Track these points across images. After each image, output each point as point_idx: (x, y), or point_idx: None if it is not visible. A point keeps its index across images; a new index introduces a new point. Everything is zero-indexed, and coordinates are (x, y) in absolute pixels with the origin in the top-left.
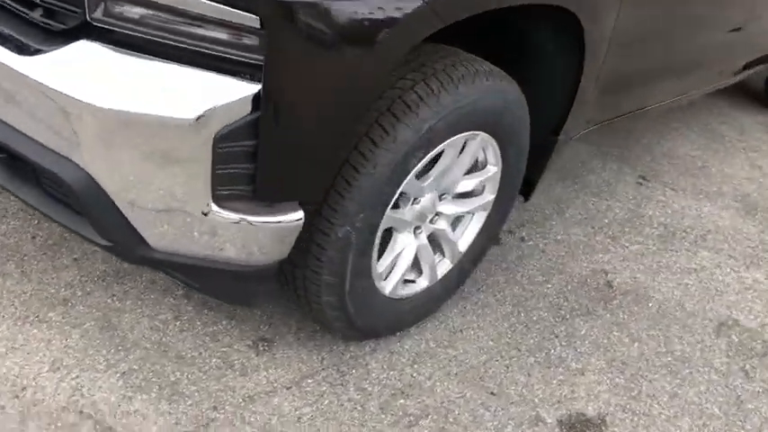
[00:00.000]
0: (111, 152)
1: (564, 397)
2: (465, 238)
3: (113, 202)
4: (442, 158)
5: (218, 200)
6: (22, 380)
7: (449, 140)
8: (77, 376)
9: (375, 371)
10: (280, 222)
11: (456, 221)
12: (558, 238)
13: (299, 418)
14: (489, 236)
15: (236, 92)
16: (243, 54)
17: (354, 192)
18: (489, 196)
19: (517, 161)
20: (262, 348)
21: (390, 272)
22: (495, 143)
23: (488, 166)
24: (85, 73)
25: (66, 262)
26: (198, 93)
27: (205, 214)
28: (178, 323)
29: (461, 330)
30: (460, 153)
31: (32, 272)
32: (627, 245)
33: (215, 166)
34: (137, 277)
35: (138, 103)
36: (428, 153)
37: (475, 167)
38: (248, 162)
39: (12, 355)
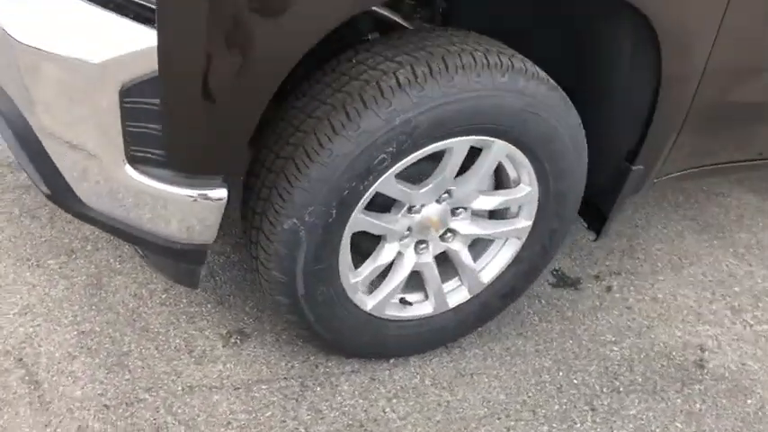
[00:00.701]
0: (32, 89)
1: None
2: (491, 267)
3: (41, 145)
4: (441, 164)
5: (133, 161)
6: None
7: (444, 142)
8: (38, 325)
9: (343, 394)
10: (194, 198)
11: (481, 246)
12: (659, 296)
13: (229, 423)
14: (527, 272)
15: (143, 41)
16: None
17: (303, 181)
18: (524, 222)
19: (560, 184)
20: (233, 341)
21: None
22: (524, 158)
23: (521, 185)
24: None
25: None
26: (107, 37)
27: (120, 174)
28: (164, 296)
29: (473, 375)
30: (475, 162)
31: (59, 220)
32: (751, 323)
33: (124, 122)
34: None
35: (50, 41)
36: (409, 152)
37: (504, 184)
38: (157, 123)
39: None
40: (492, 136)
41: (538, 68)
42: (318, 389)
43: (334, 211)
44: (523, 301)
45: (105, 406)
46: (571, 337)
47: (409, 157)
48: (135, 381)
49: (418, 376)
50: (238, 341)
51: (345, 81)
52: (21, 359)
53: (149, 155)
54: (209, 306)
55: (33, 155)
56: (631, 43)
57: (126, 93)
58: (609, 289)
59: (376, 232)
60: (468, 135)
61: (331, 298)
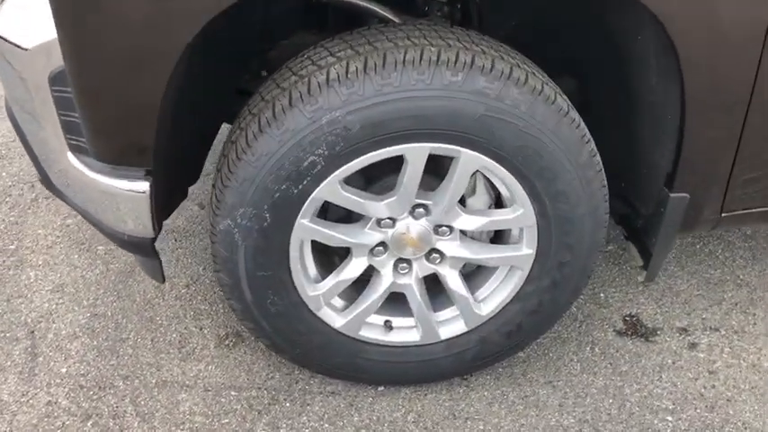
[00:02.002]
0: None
1: None
2: (491, 300)
3: (16, 119)
4: (401, 174)
5: (73, 149)
6: (23, 289)
7: (392, 148)
8: (62, 303)
9: (310, 415)
10: (119, 189)
11: (482, 275)
12: (764, 364)
13: (183, 423)
14: (537, 310)
15: None
16: None
17: (233, 180)
18: (525, 250)
19: (560, 208)
20: (227, 343)
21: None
22: (506, 173)
23: (514, 205)
24: None
25: None
26: (40, 23)
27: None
28: (183, 291)
29: (467, 419)
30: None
31: None
32: None
33: (58, 110)
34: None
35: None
36: (351, 157)
37: (499, 203)
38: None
39: (43, 267)
40: (455, 144)
41: (525, 70)
42: (288, 404)
43: (268, 215)
44: (571, 345)
45: (80, 386)
46: (614, 395)
47: (352, 163)
48: (118, 367)
49: (402, 410)
50: (231, 344)
51: (287, 76)
52: (32, 332)
53: (81, 143)
54: (220, 306)
55: (24, 140)
56: (654, 50)
57: (53, 80)
58: (693, 346)
59: (332, 244)
60: (421, 141)
61: (286, 309)
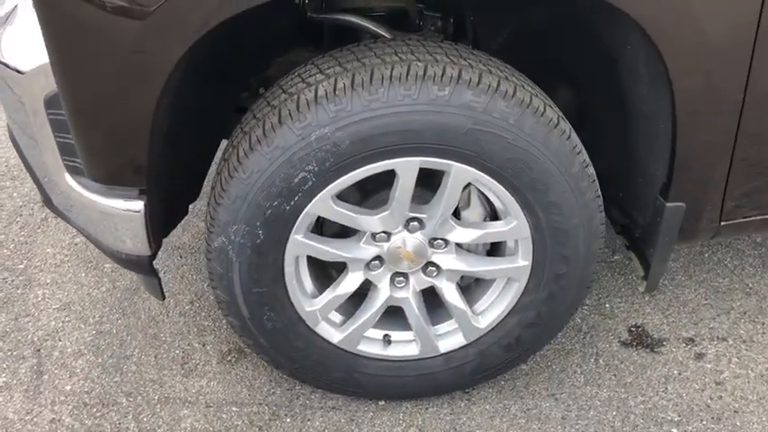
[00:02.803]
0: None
1: None
2: (489, 313)
3: (18, 143)
4: (393, 188)
5: (70, 170)
6: (31, 308)
7: (382, 163)
8: (68, 321)
9: (310, 430)
10: (114, 208)
11: (480, 287)
12: (765, 372)
13: None
14: (535, 322)
15: None
16: None
17: (226, 198)
18: (521, 262)
19: (554, 219)
20: (229, 359)
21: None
22: (498, 186)
23: (508, 217)
24: None
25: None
26: (38, 47)
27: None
28: (187, 307)
29: None
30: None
31: None
32: None
33: (54, 132)
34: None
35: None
36: (342, 172)
37: (495, 216)
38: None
39: (51, 286)
40: (445, 158)
41: (513, 83)
42: (288, 420)
43: (261, 232)
44: (575, 357)
45: (84, 403)
46: (618, 407)
47: (344, 178)
48: (121, 384)
49: (403, 424)
50: (233, 360)
51: (278, 94)
52: (39, 350)
53: (78, 165)
54: (223, 321)
55: (26, 163)
56: (643, 59)
57: (48, 103)
58: (700, 356)
59: (327, 259)
60: (411, 156)
61: (284, 325)
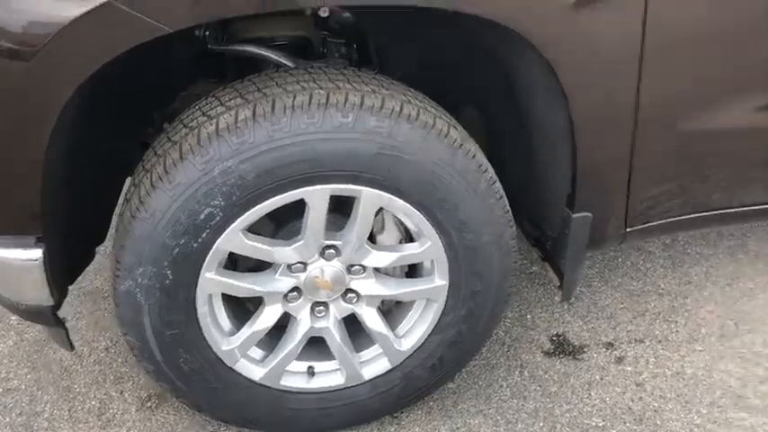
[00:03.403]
0: None
1: None
2: (411, 335)
3: None
4: (304, 217)
5: None
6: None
7: (291, 193)
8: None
9: None
10: (8, 258)
11: (400, 311)
12: (687, 371)
13: None
14: (456, 341)
15: None
16: None
17: (129, 239)
18: (438, 281)
19: (466, 237)
20: (148, 405)
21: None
22: (409, 208)
23: (422, 238)
24: None
25: None
26: None
27: None
28: (102, 354)
29: None
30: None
31: None
32: None
33: None
34: None
35: None
36: (250, 205)
37: (409, 238)
38: None
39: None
40: (354, 184)
41: (416, 106)
42: None
43: (169, 272)
44: (500, 371)
45: None
46: (545, 418)
47: (252, 211)
48: None
49: None
50: (153, 406)
51: (179, 129)
52: None
53: None
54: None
55: None
56: (539, 75)
57: None
58: (620, 360)
59: (242, 295)
60: (319, 184)
61: (201, 367)
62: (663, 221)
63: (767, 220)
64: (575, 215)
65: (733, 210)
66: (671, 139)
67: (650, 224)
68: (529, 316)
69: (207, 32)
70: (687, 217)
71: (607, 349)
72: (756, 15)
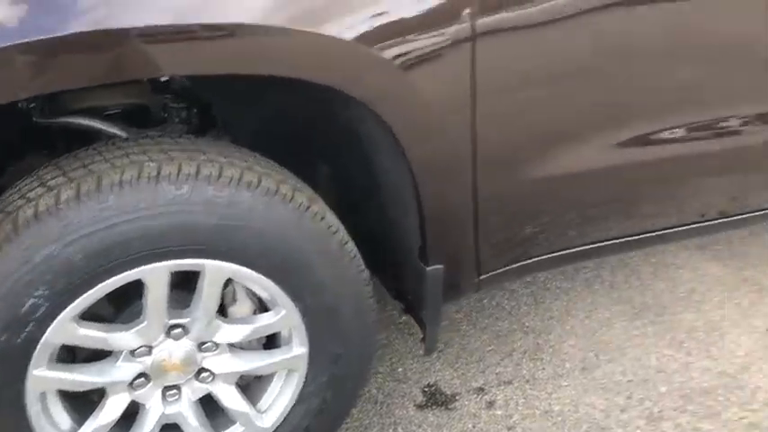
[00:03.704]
0: None
1: None
2: (273, 409)
3: None
4: (143, 298)
5: None
6: None
7: (126, 274)
8: None
9: None
10: None
11: (259, 385)
12: (554, 408)
13: None
14: (321, 409)
15: None
16: None
17: None
18: (298, 350)
19: (322, 300)
20: None
21: None
22: (260, 276)
23: (276, 306)
24: None
25: None
26: None
27: None
28: None
29: None
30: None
31: None
32: None
33: None
34: None
35: None
36: (80, 292)
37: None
38: None
39: None
40: (195, 258)
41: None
42: None
43: None
44: (374, 431)
45: None
46: None
47: (83, 298)
48: None
49: None
50: None
51: None
52: None
53: None
54: None
55: None
56: (378, 130)
57: None
58: (491, 405)
59: (81, 389)
60: (156, 261)
61: None
62: (516, 265)
63: (623, 252)
64: (428, 268)
65: (586, 247)
66: (513, 185)
67: (504, 269)
68: (400, 369)
69: (32, 105)
70: (540, 258)
71: (478, 395)
72: (584, 60)
